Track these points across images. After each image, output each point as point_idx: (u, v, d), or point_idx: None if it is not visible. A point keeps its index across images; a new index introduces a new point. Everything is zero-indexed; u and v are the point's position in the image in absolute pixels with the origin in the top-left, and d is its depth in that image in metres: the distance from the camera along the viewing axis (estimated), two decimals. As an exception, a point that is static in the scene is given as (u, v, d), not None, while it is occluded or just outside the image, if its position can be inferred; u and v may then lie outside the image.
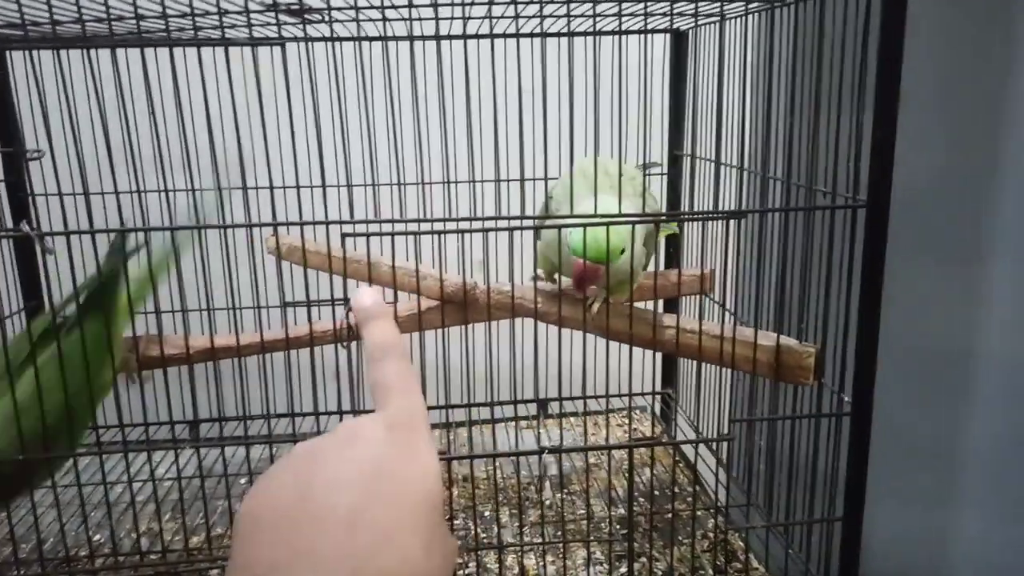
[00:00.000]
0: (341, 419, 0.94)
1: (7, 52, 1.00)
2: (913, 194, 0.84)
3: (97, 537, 1.11)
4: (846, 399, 0.85)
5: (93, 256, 0.80)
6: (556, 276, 0.96)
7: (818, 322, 0.85)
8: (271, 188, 0.81)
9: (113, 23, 0.72)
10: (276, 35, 0.79)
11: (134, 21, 0.73)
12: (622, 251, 0.83)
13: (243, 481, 1.19)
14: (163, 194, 0.79)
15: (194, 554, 0.93)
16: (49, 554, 1.05)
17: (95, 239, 0.78)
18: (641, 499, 1.19)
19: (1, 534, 1.06)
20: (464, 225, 0.81)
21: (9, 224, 1.15)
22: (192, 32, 0.75)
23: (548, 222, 0.87)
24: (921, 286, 0.99)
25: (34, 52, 0.76)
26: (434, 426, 1.29)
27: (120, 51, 0.76)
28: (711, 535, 1.11)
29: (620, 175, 0.83)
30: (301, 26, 0.81)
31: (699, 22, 1.10)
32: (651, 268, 1.02)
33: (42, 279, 1.24)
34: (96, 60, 0.76)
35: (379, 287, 0.87)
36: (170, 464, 1.21)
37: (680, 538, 1.10)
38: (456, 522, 1.07)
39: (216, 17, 0.74)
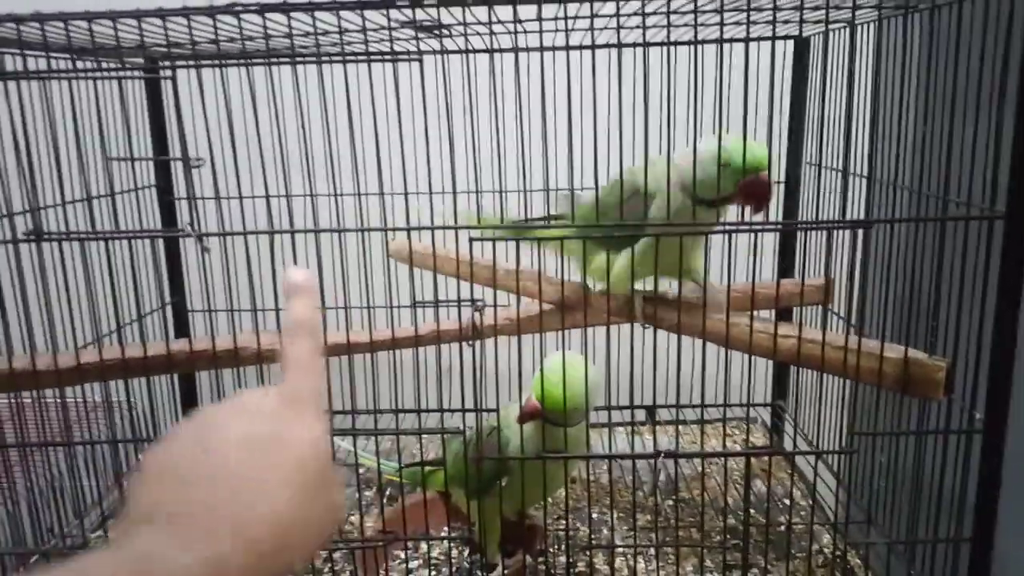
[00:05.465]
0: (464, 416, 0.99)
1: (174, 71, 1.09)
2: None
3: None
4: (978, 416, 0.83)
5: (244, 255, 0.86)
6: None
7: (948, 335, 0.82)
8: (405, 194, 0.86)
9: (268, 39, 0.78)
10: (415, 50, 0.84)
11: (287, 39, 0.79)
12: None
13: (362, 471, 1.24)
14: (308, 199, 0.84)
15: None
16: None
17: (247, 240, 0.85)
18: (752, 510, 1.18)
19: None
20: (591, 231, 0.83)
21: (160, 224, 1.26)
22: (339, 48, 0.80)
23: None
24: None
25: (198, 70, 0.83)
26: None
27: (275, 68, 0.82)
28: (827, 551, 1.09)
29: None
30: (438, 42, 0.86)
31: (828, 28, 1.09)
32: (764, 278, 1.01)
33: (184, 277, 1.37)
34: (251, 76, 0.83)
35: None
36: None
37: (794, 552, 1.08)
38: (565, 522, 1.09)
39: (360, 34, 0.79)
